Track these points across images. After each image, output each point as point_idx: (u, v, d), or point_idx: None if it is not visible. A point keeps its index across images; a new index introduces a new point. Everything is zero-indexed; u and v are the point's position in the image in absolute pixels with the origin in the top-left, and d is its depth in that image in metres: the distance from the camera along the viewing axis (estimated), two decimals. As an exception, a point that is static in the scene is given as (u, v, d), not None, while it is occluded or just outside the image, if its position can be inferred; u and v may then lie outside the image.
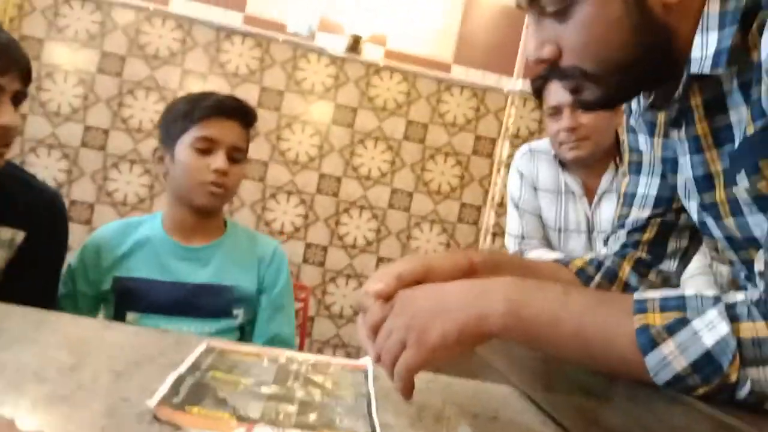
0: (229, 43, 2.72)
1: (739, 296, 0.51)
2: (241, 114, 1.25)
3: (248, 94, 2.70)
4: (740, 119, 0.59)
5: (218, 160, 1.19)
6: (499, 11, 2.83)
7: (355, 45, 2.74)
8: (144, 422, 0.52)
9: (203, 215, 1.24)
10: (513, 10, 2.85)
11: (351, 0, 2.72)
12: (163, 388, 0.58)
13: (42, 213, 1.08)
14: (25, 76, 0.97)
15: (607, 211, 1.54)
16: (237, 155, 1.23)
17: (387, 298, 0.61)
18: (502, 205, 2.73)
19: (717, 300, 0.51)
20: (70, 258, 1.21)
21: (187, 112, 1.21)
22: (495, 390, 0.79)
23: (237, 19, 2.72)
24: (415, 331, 0.56)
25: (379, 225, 2.84)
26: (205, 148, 1.20)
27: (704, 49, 0.58)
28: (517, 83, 2.79)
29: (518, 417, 0.70)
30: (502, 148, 2.83)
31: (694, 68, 0.59)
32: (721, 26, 0.57)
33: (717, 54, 0.57)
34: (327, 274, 2.82)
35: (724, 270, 1.32)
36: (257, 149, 2.69)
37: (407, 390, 0.57)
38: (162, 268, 1.20)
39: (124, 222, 1.28)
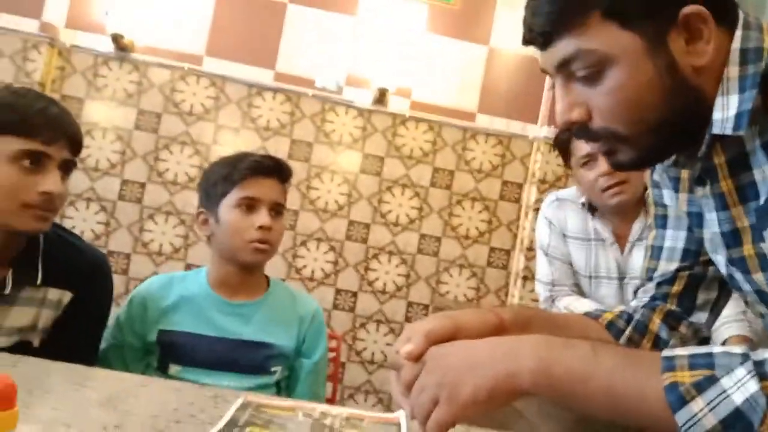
0: (260, 99, 2.81)
1: (767, 353, 0.52)
2: (278, 171, 1.31)
3: (279, 147, 2.78)
4: (765, 177, 0.60)
5: (262, 217, 1.25)
6: (521, 61, 2.88)
7: (381, 98, 2.80)
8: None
9: (248, 272, 1.28)
10: (534, 60, 2.90)
11: (377, 55, 2.80)
12: None
13: (89, 275, 1.12)
14: (74, 146, 1.02)
15: (639, 257, 1.53)
16: (278, 210, 1.29)
17: (417, 357, 0.63)
18: (531, 249, 2.72)
19: (745, 357, 0.51)
20: (115, 311, 1.25)
21: (227, 175, 1.27)
22: (528, 444, 0.79)
23: (268, 76, 2.82)
24: (446, 388, 0.58)
25: (408, 270, 2.85)
26: (248, 206, 1.25)
27: (725, 111, 0.60)
28: (542, 130, 2.82)
29: (552, 473, 0.70)
30: (529, 193, 2.84)
31: (716, 129, 0.61)
32: (742, 89, 0.59)
33: (738, 116, 0.59)
34: (357, 319, 2.83)
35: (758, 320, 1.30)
36: (288, 198, 2.73)
37: None
38: (206, 323, 1.24)
39: (170, 276, 1.33)
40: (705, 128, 0.64)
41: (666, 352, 0.54)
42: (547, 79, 2.85)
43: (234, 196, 1.25)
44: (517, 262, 2.85)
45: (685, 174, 0.75)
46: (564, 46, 0.65)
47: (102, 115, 2.77)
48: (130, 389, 0.78)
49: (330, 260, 2.83)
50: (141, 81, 2.79)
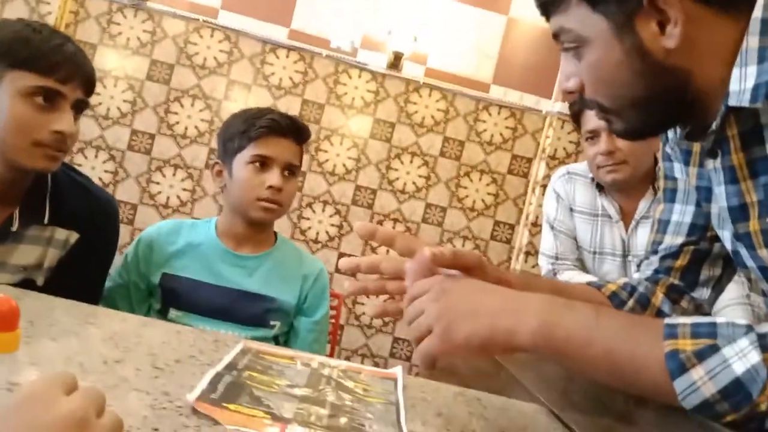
0: (273, 56, 2.79)
1: None
2: (295, 131, 1.29)
3: (290, 106, 2.76)
4: None
5: (273, 177, 1.24)
6: (539, 34, 2.84)
7: (396, 62, 2.77)
8: (183, 415, 0.55)
9: (256, 227, 1.29)
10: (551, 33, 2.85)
11: (393, 18, 2.76)
12: (202, 384, 0.61)
13: (97, 217, 1.12)
14: (88, 86, 1.01)
15: (644, 236, 1.53)
16: (291, 171, 1.29)
17: (438, 263, 0.65)
18: (536, 224, 2.72)
19: (749, 329, 0.51)
20: (119, 257, 1.26)
21: (243, 131, 1.26)
22: (523, 407, 0.80)
23: (282, 33, 2.79)
24: (443, 323, 0.59)
25: (411, 239, 2.86)
26: (261, 164, 1.25)
27: (743, 82, 0.59)
28: (556, 105, 2.79)
29: (544, 435, 0.71)
30: (538, 169, 2.82)
31: (733, 101, 0.60)
32: (761, 60, 0.58)
33: (756, 87, 0.58)
34: (358, 285, 2.85)
35: (761, 301, 1.30)
36: (296, 160, 2.74)
37: (425, 366, 0.60)
38: (209, 271, 1.25)
39: (179, 222, 1.34)
40: (699, 107, 0.64)
41: (669, 320, 0.54)
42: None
43: (248, 152, 1.25)
44: (521, 236, 2.84)
45: (696, 147, 0.74)
46: (554, 22, 0.69)
47: (114, 63, 2.75)
48: (132, 328, 0.79)
49: (335, 224, 2.83)
50: (155, 30, 2.76)
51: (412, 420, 0.64)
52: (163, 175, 2.78)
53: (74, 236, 1.07)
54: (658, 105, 0.66)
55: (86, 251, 1.09)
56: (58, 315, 0.79)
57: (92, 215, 1.10)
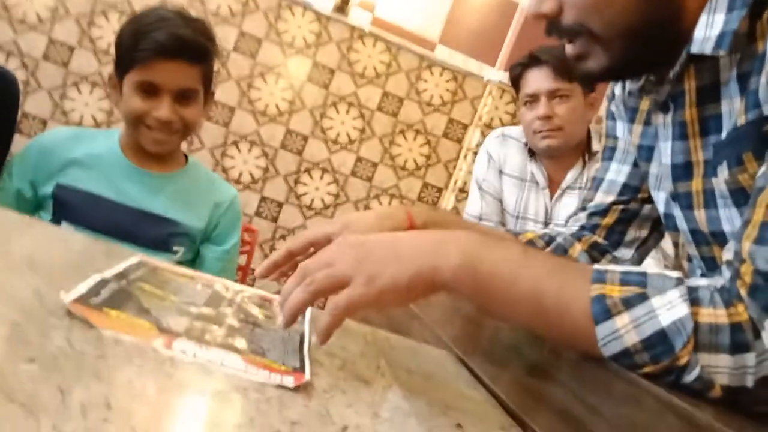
0: (214, -20, 2.62)
1: (702, 281, 0.50)
2: (189, 52, 1.11)
3: (225, 36, 2.61)
4: (732, 110, 0.58)
5: (161, 107, 1.09)
6: (492, 0, 2.80)
7: (342, 6, 2.67)
8: (54, 317, 0.48)
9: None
10: (505, 1, 2.84)
11: (347, -43, 2.65)
12: (82, 287, 0.54)
13: None
14: None
15: (568, 206, 1.55)
16: (186, 96, 1.13)
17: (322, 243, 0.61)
18: (463, 190, 2.72)
19: (680, 281, 0.50)
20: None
21: (130, 48, 1.09)
22: (432, 352, 0.78)
23: (226, -44, 2.62)
24: (365, 270, 0.53)
25: (338, 190, 2.80)
26: (148, 92, 1.09)
27: (708, 29, 0.57)
28: (498, 74, 2.77)
29: (451, 379, 0.69)
30: (473, 135, 2.82)
31: (695, 48, 0.58)
32: (730, 9, 0.56)
33: (721, 36, 0.56)
34: (278, 230, 2.77)
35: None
36: (226, 93, 2.60)
37: (332, 327, 0.54)
38: (110, 186, 1.13)
39: (79, 130, 1.22)
40: (678, 49, 0.61)
41: (598, 266, 0.52)
42: (513, 23, 2.80)
43: (135, 76, 1.09)
44: (448, 201, 2.84)
45: (644, 105, 0.73)
46: None
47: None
48: (12, 226, 0.70)
49: (260, 165, 2.73)
50: (85, -67, 2.53)
51: (316, 350, 0.60)
52: (80, 92, 2.59)
53: None
54: (647, 39, 0.62)
55: None
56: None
57: None
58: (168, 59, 1.09)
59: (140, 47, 1.07)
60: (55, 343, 0.42)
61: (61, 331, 0.45)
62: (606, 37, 0.62)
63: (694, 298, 0.48)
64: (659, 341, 0.48)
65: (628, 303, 0.49)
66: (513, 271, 0.52)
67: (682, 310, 0.48)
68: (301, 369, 0.51)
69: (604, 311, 0.49)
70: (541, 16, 0.64)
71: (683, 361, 0.47)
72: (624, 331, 0.48)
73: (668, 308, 0.48)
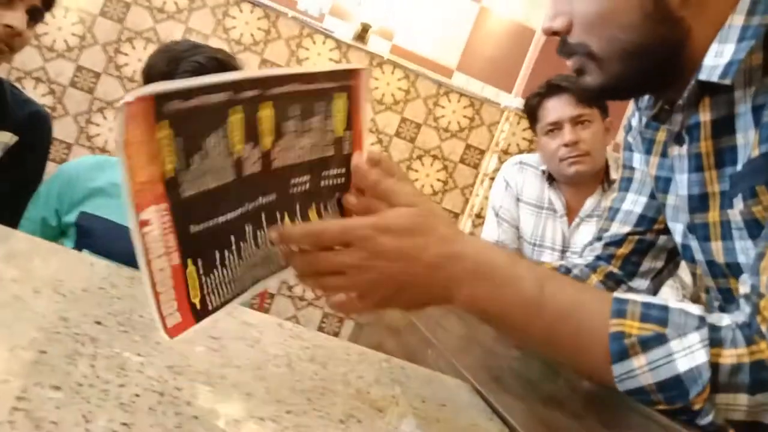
0: (237, 9, 2.68)
1: (724, 319, 0.50)
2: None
3: (248, 64, 2.66)
4: (747, 142, 0.58)
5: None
6: (509, 26, 2.83)
7: (362, 34, 2.72)
8: (79, 343, 0.49)
9: None
10: (522, 28, 2.86)
11: (366, -13, 2.70)
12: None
13: (35, 123, 1.13)
14: None
15: (585, 234, 1.54)
16: None
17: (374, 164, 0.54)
18: (480, 216, 2.72)
19: (702, 322, 0.49)
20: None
21: (166, 74, 1.11)
22: (447, 381, 0.78)
23: (249, -14, 2.69)
24: (374, 298, 0.54)
25: (356, 216, 2.82)
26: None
27: (718, 57, 0.57)
28: (515, 100, 2.79)
29: (466, 409, 0.69)
30: (490, 161, 2.83)
31: (703, 75, 0.58)
32: (741, 39, 0.56)
33: (729, 64, 0.56)
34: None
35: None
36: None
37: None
38: None
39: (103, 158, 1.24)
40: (681, 74, 0.62)
41: (619, 294, 0.52)
42: (530, 50, 2.82)
43: None
44: (465, 226, 2.85)
45: (660, 137, 0.73)
46: None
47: (65, -8, 2.59)
48: (38, 252, 0.72)
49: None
50: (113, -36, 2.61)
51: (331, 378, 0.60)
52: (105, 117, 2.65)
53: (14, 138, 1.08)
54: (647, 58, 0.62)
55: (23, 156, 1.10)
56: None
57: (31, 121, 1.12)
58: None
59: (180, 69, 1.10)
60: (80, 370, 0.43)
61: (86, 359, 0.46)
62: (603, 56, 0.63)
63: (715, 339, 0.48)
64: (674, 386, 0.47)
65: (646, 344, 0.48)
66: (525, 314, 0.52)
67: (701, 357, 0.47)
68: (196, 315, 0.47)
69: (622, 351, 0.49)
70: (552, 32, 0.65)
71: (697, 407, 0.47)
72: (640, 372, 0.48)
73: (686, 354, 0.47)
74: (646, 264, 0.80)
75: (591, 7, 0.61)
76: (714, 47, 0.58)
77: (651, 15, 0.60)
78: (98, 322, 0.54)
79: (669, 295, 1.32)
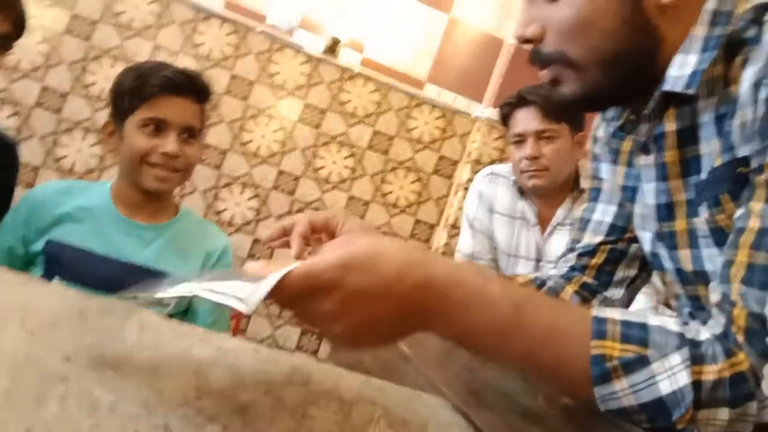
0: (206, 25, 2.67)
1: (702, 333, 0.49)
2: (194, 90, 1.16)
3: (218, 80, 2.65)
4: (710, 151, 0.59)
5: (168, 143, 1.12)
6: (479, 37, 2.86)
7: (333, 47, 2.72)
8: (48, 383, 0.48)
9: (152, 195, 1.18)
10: (492, 39, 2.89)
11: (335, 2, 2.71)
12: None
13: (1, 154, 1.10)
14: (17, 24, 1.01)
15: (558, 243, 1.56)
16: (191, 134, 1.16)
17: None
18: (455, 226, 2.73)
19: (682, 340, 0.48)
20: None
21: (134, 89, 1.13)
22: (427, 400, 0.77)
23: (218, 2, 2.68)
24: (347, 334, 0.52)
25: (331, 230, 2.80)
26: (156, 128, 1.12)
27: (682, 68, 0.58)
28: (486, 111, 2.81)
29: (447, 429, 0.68)
30: (463, 171, 2.84)
31: (667, 86, 0.59)
32: (704, 50, 0.57)
33: (692, 75, 0.57)
34: (272, 272, 2.76)
35: (669, 314, 1.34)
36: (218, 136, 2.63)
37: None
38: (100, 239, 1.13)
39: (70, 183, 1.22)
40: (653, 86, 0.62)
41: (597, 311, 0.51)
42: (500, 60, 2.85)
43: (141, 114, 1.12)
44: (440, 238, 2.85)
45: (626, 146, 0.74)
46: None
47: (29, 11, 2.54)
48: (4, 282, 0.70)
49: (253, 207, 2.74)
50: (78, -18, 2.58)
51: (314, 403, 0.60)
52: (72, 138, 2.60)
53: None
54: (625, 66, 0.62)
55: None
56: None
57: None
58: (175, 95, 1.13)
59: (149, 83, 1.11)
60: (50, 410, 0.42)
61: (56, 400, 0.45)
62: (582, 65, 0.62)
63: (697, 356, 0.47)
64: (657, 408, 0.47)
65: (628, 367, 0.48)
66: (501, 339, 0.50)
67: (683, 379, 0.47)
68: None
69: (604, 374, 0.48)
70: (524, 39, 0.64)
71: (680, 427, 0.47)
72: (622, 394, 0.48)
73: (668, 375, 0.47)
74: (620, 273, 0.81)
75: (569, 13, 0.60)
76: (678, 58, 0.59)
77: (629, 21, 0.59)
78: (67, 358, 0.52)
79: (644, 303, 1.34)
